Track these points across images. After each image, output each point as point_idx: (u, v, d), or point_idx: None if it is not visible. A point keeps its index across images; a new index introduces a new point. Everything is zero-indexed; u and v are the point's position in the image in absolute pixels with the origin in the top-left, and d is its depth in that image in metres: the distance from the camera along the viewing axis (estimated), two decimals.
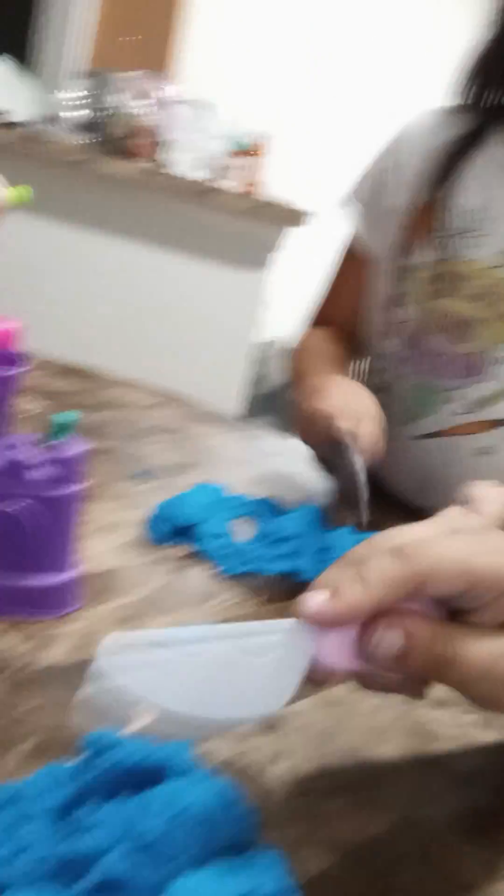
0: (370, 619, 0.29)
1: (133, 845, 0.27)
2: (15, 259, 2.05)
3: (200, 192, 1.99)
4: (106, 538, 0.57)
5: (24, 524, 0.43)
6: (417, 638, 0.29)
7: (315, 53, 3.02)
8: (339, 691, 0.43)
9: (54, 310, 2.05)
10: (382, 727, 0.41)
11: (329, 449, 0.67)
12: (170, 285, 2.12)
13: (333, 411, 0.66)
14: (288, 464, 0.86)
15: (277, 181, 2.24)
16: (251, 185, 2.09)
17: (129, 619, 0.47)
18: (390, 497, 0.84)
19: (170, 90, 2.15)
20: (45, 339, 1.25)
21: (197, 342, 2.13)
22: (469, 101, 0.78)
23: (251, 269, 2.12)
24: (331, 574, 0.30)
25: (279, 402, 2.43)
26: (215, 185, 2.03)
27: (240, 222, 2.04)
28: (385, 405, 0.85)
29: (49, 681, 0.39)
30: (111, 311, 2.11)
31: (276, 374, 2.65)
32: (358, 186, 0.87)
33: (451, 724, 0.43)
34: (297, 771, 0.37)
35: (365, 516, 0.61)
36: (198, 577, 0.54)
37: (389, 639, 0.29)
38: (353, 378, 0.91)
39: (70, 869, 0.27)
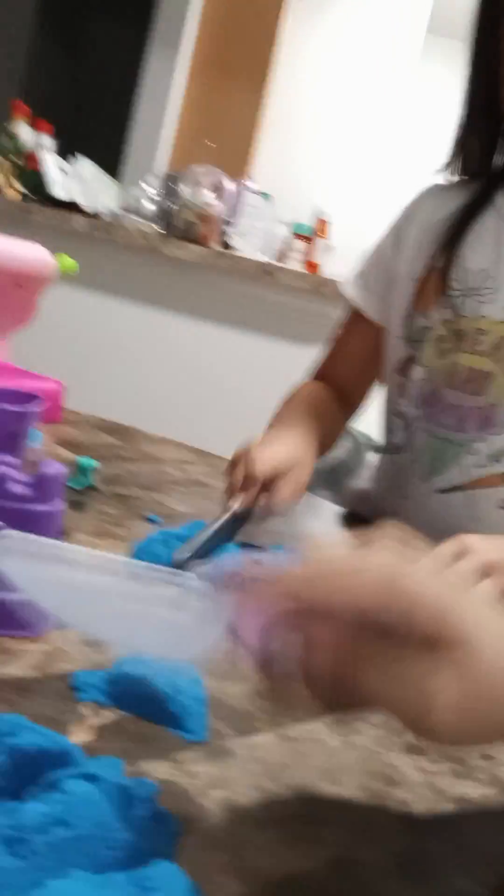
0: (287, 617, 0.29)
1: (8, 835, 0.25)
2: (88, 331, 2.15)
3: (264, 273, 2.05)
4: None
5: None
6: (320, 645, 0.29)
7: (372, 148, 3.15)
8: (302, 730, 0.41)
9: (125, 380, 2.13)
10: (342, 767, 0.39)
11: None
12: (234, 361, 2.17)
13: (245, 466, 0.66)
14: (300, 522, 0.84)
15: (337, 261, 2.29)
16: (312, 265, 2.15)
17: (96, 644, 0.46)
18: None
19: (237, 182, 2.26)
20: (102, 405, 1.30)
21: (259, 416, 2.16)
22: (470, 170, 0.82)
23: (314, 344, 2.16)
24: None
25: (338, 477, 2.41)
26: (278, 266, 2.10)
27: (302, 301, 2.09)
28: (404, 463, 0.84)
29: None
30: (178, 385, 2.17)
31: (338, 450, 2.64)
32: (360, 266, 0.92)
33: (417, 770, 0.40)
34: (234, 800, 0.34)
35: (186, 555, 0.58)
36: None
37: (288, 640, 0.29)
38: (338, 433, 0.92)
39: None
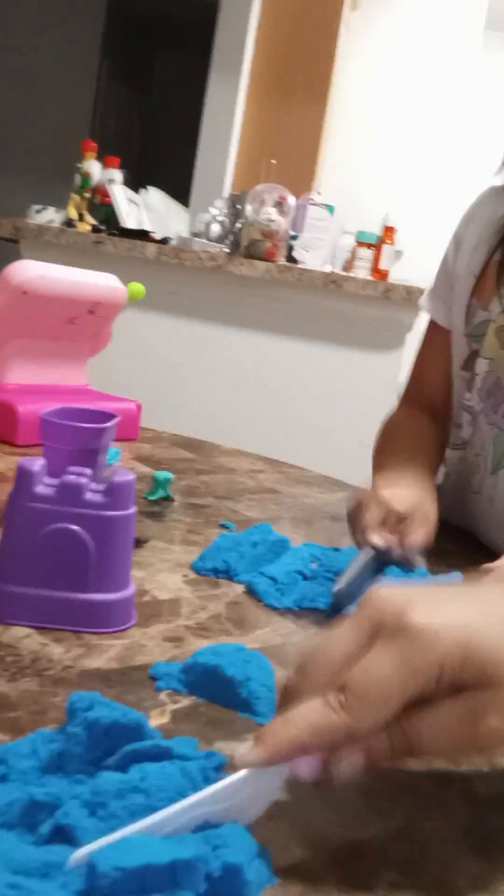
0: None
1: (88, 800, 0.28)
2: (162, 352, 2.22)
3: (330, 283, 2.07)
4: (173, 573, 0.60)
5: (82, 542, 0.47)
6: (375, 751, 0.30)
7: (435, 150, 3.12)
8: None
9: (199, 397, 2.18)
10: None
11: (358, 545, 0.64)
12: (305, 372, 2.19)
13: (378, 514, 0.63)
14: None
15: (405, 267, 2.29)
16: (381, 272, 2.15)
17: (173, 640, 0.49)
18: (485, 548, 0.82)
19: (301, 196, 2.29)
20: (178, 421, 1.34)
21: (334, 426, 2.17)
22: None
23: (386, 351, 2.16)
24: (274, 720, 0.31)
25: None
26: (344, 275, 2.11)
27: (370, 308, 2.10)
28: (470, 457, 0.84)
29: (84, 683, 0.42)
30: (248, 398, 2.20)
31: None
32: (432, 284, 0.94)
33: (482, 763, 0.41)
34: (298, 784, 0.36)
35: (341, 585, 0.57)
36: (248, 609, 0.56)
37: (349, 763, 0.30)
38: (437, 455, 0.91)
39: (33, 815, 0.28)
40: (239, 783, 0.29)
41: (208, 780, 0.31)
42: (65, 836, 0.28)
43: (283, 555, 0.63)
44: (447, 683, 0.30)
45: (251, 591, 0.58)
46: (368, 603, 0.32)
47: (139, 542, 0.65)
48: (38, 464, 0.48)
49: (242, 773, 0.29)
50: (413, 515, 0.64)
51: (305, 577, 0.60)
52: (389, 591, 0.32)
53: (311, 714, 0.30)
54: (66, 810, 0.28)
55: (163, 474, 0.81)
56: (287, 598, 0.57)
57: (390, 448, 0.87)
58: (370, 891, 0.30)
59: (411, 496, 0.68)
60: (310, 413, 2.17)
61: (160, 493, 0.80)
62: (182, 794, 0.30)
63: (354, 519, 0.64)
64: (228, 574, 0.60)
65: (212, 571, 0.61)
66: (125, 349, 1.94)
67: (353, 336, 2.15)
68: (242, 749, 0.30)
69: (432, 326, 0.96)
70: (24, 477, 0.47)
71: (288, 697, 0.32)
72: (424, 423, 0.93)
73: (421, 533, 0.62)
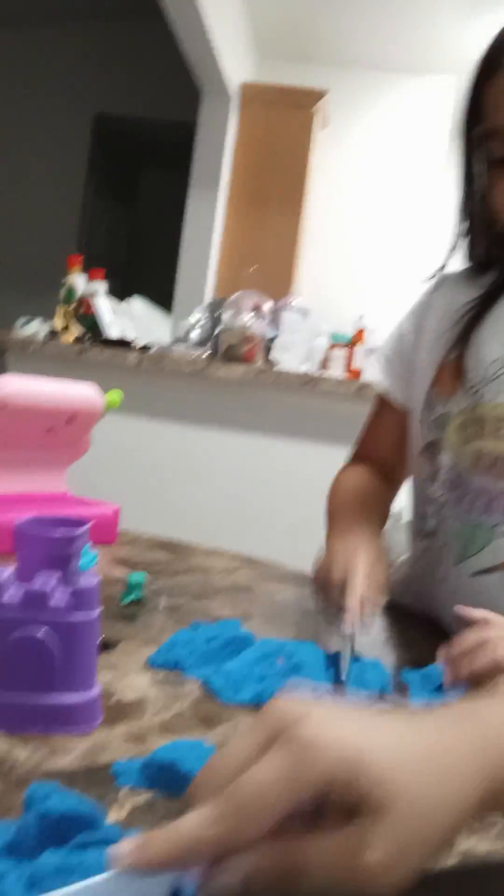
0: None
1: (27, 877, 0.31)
2: (141, 456, 2.27)
3: (306, 383, 2.15)
4: (141, 674, 0.62)
5: (47, 648, 0.50)
6: (258, 867, 0.29)
7: (404, 252, 3.29)
8: None
9: (178, 497, 2.22)
10: None
11: (331, 613, 0.74)
12: (282, 469, 2.24)
13: (342, 580, 0.73)
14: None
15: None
16: (355, 372, 2.24)
17: (137, 739, 0.51)
18: (450, 636, 0.84)
19: (277, 300, 2.41)
20: (158, 523, 1.37)
21: (313, 520, 2.20)
22: (478, 260, 0.87)
23: None
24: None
25: None
26: (320, 375, 2.20)
27: (345, 405, 2.17)
28: (435, 548, 0.87)
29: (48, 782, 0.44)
30: (229, 496, 2.24)
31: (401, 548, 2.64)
32: (384, 348, 0.97)
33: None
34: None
35: (343, 676, 0.63)
36: (212, 707, 0.58)
37: (230, 875, 0.29)
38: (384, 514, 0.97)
39: None
40: (113, 881, 0.29)
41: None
42: None
43: (245, 650, 0.66)
44: (339, 805, 0.29)
45: (207, 688, 0.61)
46: (268, 712, 0.31)
47: (109, 645, 0.67)
48: (5, 574, 0.51)
49: (112, 872, 0.29)
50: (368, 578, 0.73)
51: (264, 674, 0.62)
52: (289, 702, 0.32)
53: (190, 825, 0.29)
54: (5, 887, 0.30)
55: (136, 577, 0.84)
56: (244, 694, 0.59)
57: (339, 507, 0.94)
58: None
59: (368, 560, 0.76)
60: (290, 508, 2.21)
61: (133, 596, 0.83)
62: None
63: (325, 591, 0.74)
64: (177, 667, 0.63)
65: (162, 666, 0.64)
66: (106, 453, 1.99)
67: (329, 432, 2.21)
68: (123, 846, 0.29)
69: (383, 400, 1.00)
70: None
71: (183, 807, 0.31)
72: (372, 479, 0.98)
73: (372, 593, 0.72)
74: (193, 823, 0.29)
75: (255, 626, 0.77)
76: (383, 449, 1.01)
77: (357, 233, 3.47)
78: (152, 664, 0.64)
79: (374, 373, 1.02)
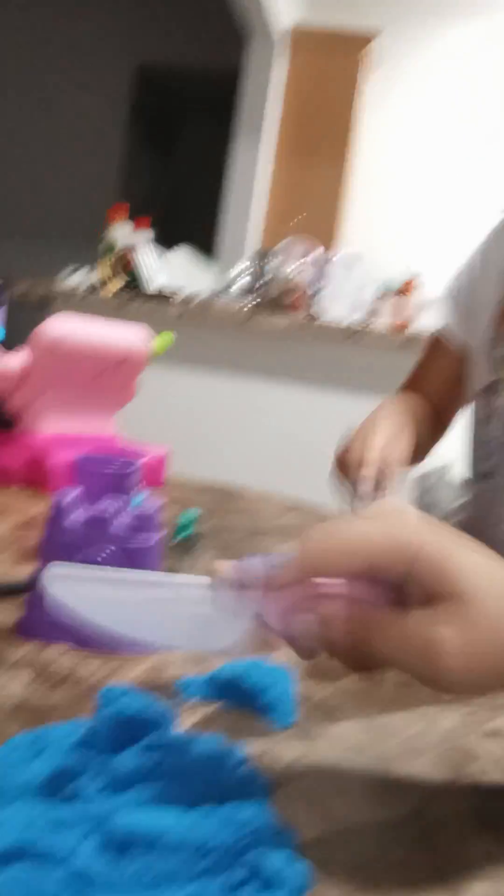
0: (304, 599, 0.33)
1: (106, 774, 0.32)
2: (188, 404, 2.27)
3: (352, 335, 2.13)
4: None
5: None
6: (332, 622, 0.32)
7: (456, 199, 3.20)
8: (385, 718, 0.45)
9: (224, 445, 2.23)
10: (422, 746, 0.42)
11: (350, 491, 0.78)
12: (328, 423, 2.23)
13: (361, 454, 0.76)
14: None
15: (432, 314, 2.34)
16: (403, 322, 2.21)
17: (198, 660, 0.52)
18: None
19: (325, 249, 2.37)
20: (204, 469, 1.38)
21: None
22: None
23: None
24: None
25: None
26: (367, 326, 2.17)
27: (392, 357, 2.14)
28: (491, 490, 0.86)
29: None
30: (272, 448, 2.24)
31: (447, 501, 2.62)
32: (452, 283, 0.94)
33: (500, 753, 0.43)
34: (319, 768, 0.39)
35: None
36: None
37: (305, 621, 0.32)
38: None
39: (55, 783, 0.32)
40: (203, 592, 0.33)
41: (228, 770, 0.34)
42: (79, 801, 0.31)
43: None
44: (419, 592, 0.31)
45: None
46: (381, 506, 0.35)
47: None
48: (71, 496, 0.52)
49: (208, 582, 0.34)
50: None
51: None
52: (400, 505, 0.34)
53: (287, 570, 0.33)
54: (83, 782, 0.31)
55: (189, 514, 0.85)
56: None
57: (380, 409, 0.93)
58: (382, 867, 0.32)
59: (383, 435, 0.79)
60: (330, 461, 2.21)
61: (187, 531, 0.84)
62: (197, 780, 0.32)
63: (343, 461, 0.77)
64: None
65: None
66: (153, 401, 2.00)
67: (375, 384, 2.19)
68: (219, 566, 0.33)
69: (438, 341, 0.98)
70: (59, 507, 0.51)
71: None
72: (421, 405, 0.96)
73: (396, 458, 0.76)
74: (288, 571, 0.32)
75: None
76: (432, 389, 0.99)
77: (407, 180, 3.38)
78: None
79: (436, 311, 1.00)
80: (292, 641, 0.34)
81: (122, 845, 0.28)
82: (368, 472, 0.71)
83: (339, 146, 3.43)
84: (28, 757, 0.34)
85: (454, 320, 0.95)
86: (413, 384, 1.02)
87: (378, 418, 0.80)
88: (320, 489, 2.15)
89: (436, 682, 0.31)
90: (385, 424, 0.78)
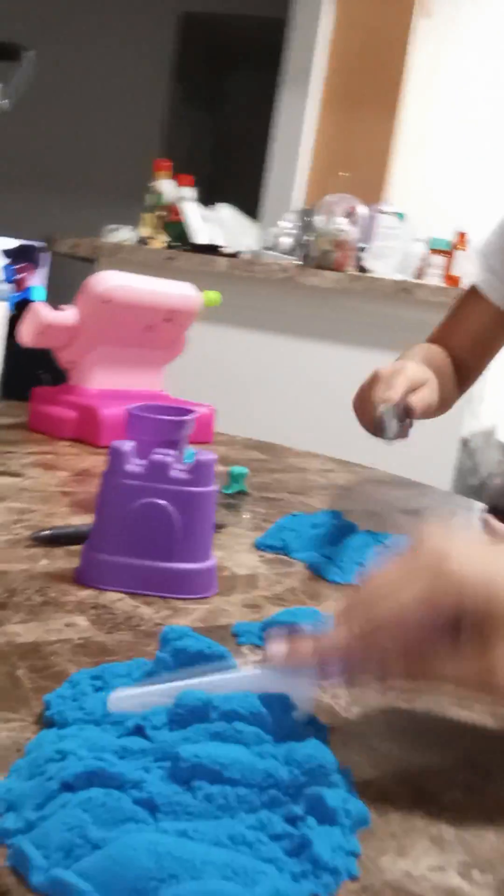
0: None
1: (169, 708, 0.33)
2: (234, 362, 2.27)
3: (401, 291, 2.09)
4: (249, 554, 0.64)
5: (168, 515, 0.52)
6: (393, 675, 0.34)
7: None
8: None
9: (270, 404, 2.23)
10: (473, 698, 0.43)
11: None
12: None
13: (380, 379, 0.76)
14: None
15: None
16: (453, 279, 2.16)
17: (252, 607, 0.53)
18: None
19: (371, 205, 2.32)
20: (249, 427, 1.38)
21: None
22: None
23: None
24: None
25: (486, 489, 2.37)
26: (415, 283, 2.13)
27: (442, 316, 2.10)
28: None
29: None
30: (318, 406, 2.23)
31: (491, 464, 2.60)
32: (484, 240, 0.93)
33: None
34: (371, 713, 0.40)
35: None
36: (320, 584, 0.59)
37: (368, 680, 0.34)
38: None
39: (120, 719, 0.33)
40: (265, 676, 0.34)
41: (287, 710, 0.35)
42: (141, 734, 0.32)
43: (350, 539, 0.67)
44: (471, 627, 0.32)
45: (313, 569, 0.62)
46: (419, 546, 0.34)
47: (217, 527, 0.69)
48: (128, 444, 0.53)
49: (264, 668, 0.34)
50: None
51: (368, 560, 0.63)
52: (436, 537, 0.34)
53: (335, 635, 0.34)
54: (147, 713, 0.32)
55: (238, 469, 0.85)
56: (348, 576, 0.60)
57: (403, 357, 0.93)
58: (438, 806, 0.33)
59: (408, 374, 0.78)
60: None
61: (235, 487, 0.85)
62: (256, 719, 0.33)
63: (368, 390, 0.78)
64: (284, 551, 0.64)
65: (269, 548, 0.65)
66: (198, 359, 2.01)
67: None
68: (275, 646, 0.34)
69: (474, 292, 0.96)
70: (116, 456, 0.52)
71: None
72: (444, 357, 0.96)
73: (424, 394, 0.76)
74: (338, 634, 0.33)
75: (355, 521, 0.77)
76: (462, 343, 0.98)
77: (459, 133, 3.28)
78: (259, 546, 0.66)
79: (470, 264, 0.99)
80: (354, 685, 0.36)
81: (187, 776, 0.30)
82: (393, 397, 0.72)
83: (388, 99, 3.34)
84: (90, 691, 0.36)
85: (489, 284, 0.94)
86: (442, 335, 1.01)
87: (404, 364, 0.80)
88: (365, 449, 2.15)
89: (494, 697, 0.34)
90: (411, 368, 0.78)
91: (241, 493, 0.84)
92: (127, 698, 0.34)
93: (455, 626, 0.33)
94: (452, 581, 0.32)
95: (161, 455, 0.53)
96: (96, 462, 0.89)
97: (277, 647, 0.34)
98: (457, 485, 2.16)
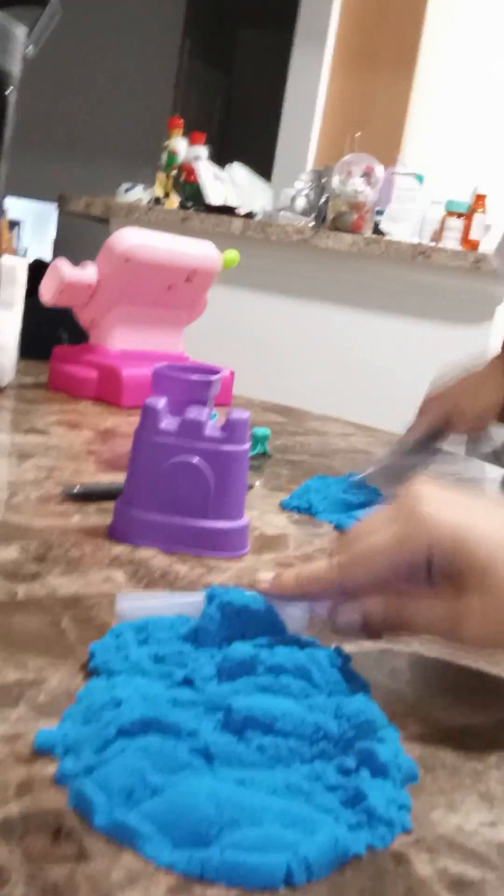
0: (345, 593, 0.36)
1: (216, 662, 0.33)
2: (250, 325, 2.26)
3: (418, 255, 2.06)
4: (277, 514, 0.64)
5: (202, 473, 0.52)
6: (372, 614, 0.36)
7: None
8: None
9: (288, 367, 2.22)
10: None
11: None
12: (391, 346, 2.19)
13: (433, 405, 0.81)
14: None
15: (495, 238, 2.25)
16: (471, 242, 2.13)
17: (285, 565, 0.53)
18: None
19: (388, 167, 2.28)
20: (267, 390, 1.38)
21: (420, 399, 2.17)
22: None
23: (475, 324, 2.14)
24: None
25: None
26: (432, 246, 2.10)
27: (459, 280, 2.08)
28: None
29: None
30: (334, 370, 2.22)
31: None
32: None
33: None
34: (415, 669, 0.40)
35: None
36: None
37: (348, 615, 0.36)
38: None
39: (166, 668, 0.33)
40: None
41: (331, 667, 0.35)
42: (190, 685, 0.32)
43: (376, 503, 0.67)
44: (442, 572, 0.34)
45: (341, 531, 0.62)
46: (402, 494, 0.36)
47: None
48: (162, 402, 0.53)
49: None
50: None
51: None
52: (422, 486, 0.36)
53: (315, 567, 0.36)
54: (196, 666, 0.32)
55: (261, 431, 0.85)
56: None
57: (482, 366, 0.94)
58: (484, 764, 0.33)
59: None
60: (396, 386, 2.18)
61: (259, 449, 0.84)
62: (303, 674, 0.34)
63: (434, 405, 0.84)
64: (310, 511, 0.64)
65: (295, 509, 0.65)
66: (213, 321, 1.99)
67: (441, 308, 2.14)
68: (262, 577, 0.37)
69: None
70: (149, 413, 0.52)
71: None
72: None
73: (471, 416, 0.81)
74: (317, 566, 0.36)
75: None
76: None
77: (478, 93, 3.21)
78: (286, 507, 0.66)
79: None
80: (336, 628, 0.37)
81: (239, 727, 0.30)
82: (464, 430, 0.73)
83: (404, 57, 3.26)
84: (134, 643, 0.36)
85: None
86: None
87: (481, 379, 0.82)
88: (383, 412, 2.14)
89: (461, 644, 0.35)
90: (491, 387, 0.81)
91: (264, 454, 0.84)
92: (135, 603, 0.38)
93: (428, 570, 0.34)
94: (424, 524, 0.34)
95: (195, 413, 0.53)
96: (119, 422, 0.89)
97: (265, 575, 0.37)
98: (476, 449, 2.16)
